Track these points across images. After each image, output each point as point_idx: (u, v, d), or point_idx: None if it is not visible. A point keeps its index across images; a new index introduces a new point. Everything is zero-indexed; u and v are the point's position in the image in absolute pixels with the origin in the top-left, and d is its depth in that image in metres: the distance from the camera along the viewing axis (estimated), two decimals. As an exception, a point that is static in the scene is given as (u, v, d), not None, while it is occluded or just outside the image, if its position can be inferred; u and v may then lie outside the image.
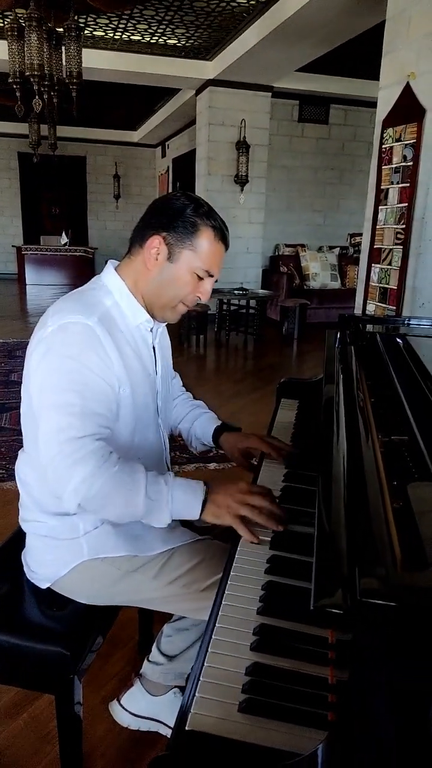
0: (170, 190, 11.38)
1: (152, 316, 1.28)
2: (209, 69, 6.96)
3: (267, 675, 0.75)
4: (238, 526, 1.08)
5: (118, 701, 1.52)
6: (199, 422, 1.54)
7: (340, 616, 0.52)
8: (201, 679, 0.74)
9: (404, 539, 0.62)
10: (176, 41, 6.32)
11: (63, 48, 4.81)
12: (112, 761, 1.47)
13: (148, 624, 1.82)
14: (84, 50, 4.92)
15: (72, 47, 4.70)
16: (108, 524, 1.24)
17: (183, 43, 6.37)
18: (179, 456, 3.46)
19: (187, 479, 1.15)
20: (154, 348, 1.33)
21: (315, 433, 1.56)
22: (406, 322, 2.05)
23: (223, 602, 0.89)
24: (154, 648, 1.45)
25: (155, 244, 1.20)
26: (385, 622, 0.46)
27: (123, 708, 1.50)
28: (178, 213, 1.19)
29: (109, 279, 1.26)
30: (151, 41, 6.33)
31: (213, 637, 0.82)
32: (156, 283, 1.23)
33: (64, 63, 4.86)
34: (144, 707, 1.49)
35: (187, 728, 0.66)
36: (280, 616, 0.86)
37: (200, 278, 1.23)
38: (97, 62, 6.47)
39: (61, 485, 1.09)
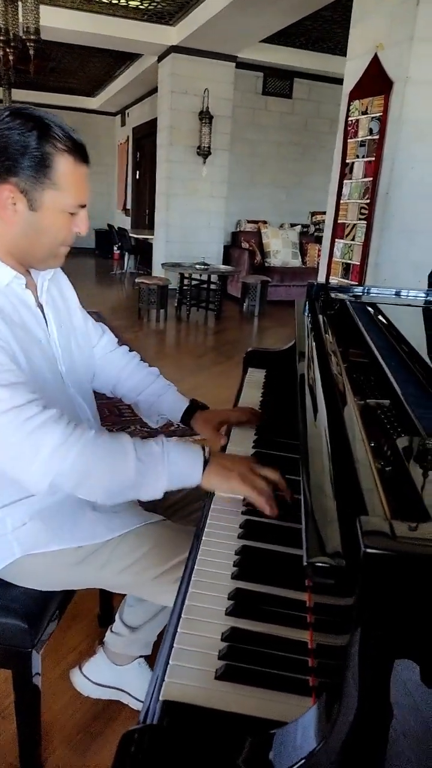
0: (130, 161, 11.11)
1: (32, 269, 1.12)
2: (172, 35, 6.75)
3: (244, 640, 0.71)
4: (251, 493, 0.97)
5: (80, 670, 1.47)
6: (166, 398, 1.40)
7: (335, 571, 0.48)
8: (175, 646, 0.70)
9: (396, 494, 0.58)
10: (138, 3, 6.08)
11: (20, 3, 4.56)
12: (73, 734, 1.42)
13: (108, 596, 1.77)
14: (42, 7, 4.67)
15: (29, 0, 4.45)
16: (38, 518, 1.11)
17: (146, 5, 6.14)
18: (139, 430, 3.40)
19: (181, 442, 1.03)
20: (42, 307, 1.15)
21: (286, 398, 1.52)
22: (366, 291, 2.03)
23: (195, 567, 0.84)
24: (116, 618, 1.40)
25: (5, 195, 0.99)
26: (391, 574, 0.42)
27: (85, 677, 1.46)
28: (21, 149, 0.97)
29: None
30: (113, 2, 6.07)
31: (186, 602, 0.77)
32: (24, 237, 1.04)
33: (20, 19, 4.60)
34: (107, 677, 1.44)
35: (161, 698, 0.62)
36: (256, 580, 0.82)
37: (73, 214, 1.06)
38: (56, 21, 6.17)
39: (25, 463, 0.93)
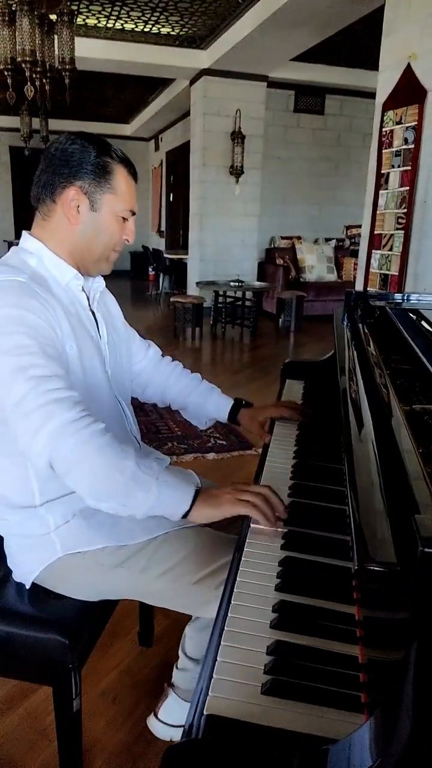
0: (164, 184, 11.29)
1: (85, 273, 1.18)
2: (204, 58, 6.87)
3: (291, 654, 0.68)
4: (245, 507, 0.96)
5: (155, 715, 1.43)
6: (212, 399, 1.47)
7: (390, 576, 0.45)
8: (218, 659, 0.67)
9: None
10: (170, 29, 6.22)
11: (55, 35, 4.72)
12: (115, 755, 1.39)
13: (148, 614, 1.74)
14: (77, 39, 4.82)
15: (65, 33, 4.60)
16: (79, 516, 1.12)
17: (177, 31, 6.28)
18: (176, 447, 3.39)
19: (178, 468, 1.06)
20: (93, 312, 1.22)
21: (326, 408, 1.49)
22: (407, 298, 1.98)
23: (237, 578, 0.81)
24: (180, 653, 1.37)
25: (72, 195, 1.10)
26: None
27: (161, 722, 1.41)
28: (84, 158, 1.10)
29: (28, 243, 1.15)
30: (145, 30, 6.23)
31: (229, 614, 0.74)
32: (84, 237, 1.14)
33: (56, 51, 4.76)
34: (182, 716, 1.39)
35: (206, 712, 0.59)
36: (301, 592, 0.79)
37: (125, 219, 1.17)
38: (91, 52, 6.36)
39: (32, 430, 0.94)
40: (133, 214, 1.18)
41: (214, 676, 0.64)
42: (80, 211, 1.11)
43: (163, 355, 1.54)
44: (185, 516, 0.99)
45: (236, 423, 1.47)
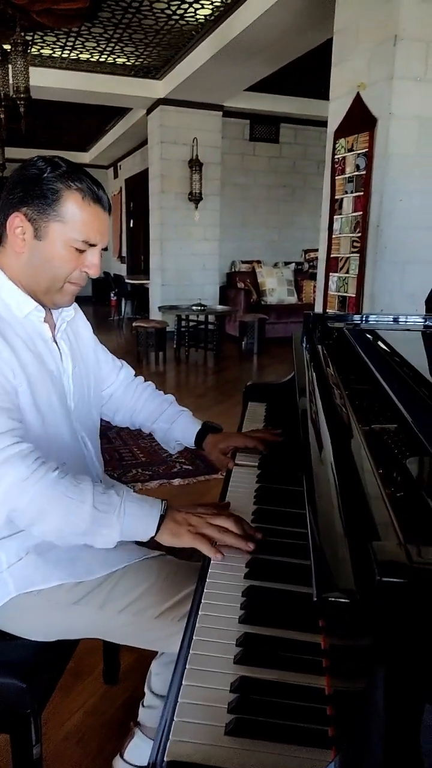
0: (124, 211, 11.33)
1: (42, 304, 1.12)
2: (159, 88, 6.99)
3: (255, 690, 0.65)
4: (200, 544, 0.94)
5: (121, 756, 1.36)
6: (179, 424, 1.42)
7: (351, 606, 0.43)
8: (179, 700, 0.64)
9: (410, 518, 0.54)
10: (125, 60, 6.31)
11: (9, 65, 4.72)
12: (79, 804, 1.32)
13: (113, 650, 1.68)
14: (32, 68, 4.84)
15: (19, 62, 4.61)
16: (33, 553, 1.07)
17: (132, 62, 6.37)
18: (141, 473, 3.34)
19: (142, 495, 1.02)
20: (57, 343, 1.17)
21: (287, 430, 1.48)
22: (365, 319, 2.01)
23: (200, 612, 0.79)
24: (146, 691, 1.31)
25: (16, 222, 1.04)
26: (409, 602, 0.38)
27: (127, 763, 1.35)
28: (33, 181, 1.03)
29: None
30: (101, 59, 6.30)
31: (191, 651, 0.71)
32: (30, 267, 1.07)
33: (11, 80, 4.76)
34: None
35: (166, 759, 0.56)
36: (266, 623, 0.76)
37: (81, 251, 1.08)
38: (46, 81, 6.40)
39: None
40: (94, 245, 1.09)
41: (175, 718, 0.61)
42: (25, 240, 1.05)
43: (136, 376, 1.51)
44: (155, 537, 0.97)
45: (202, 449, 1.42)
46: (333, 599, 0.46)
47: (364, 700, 0.42)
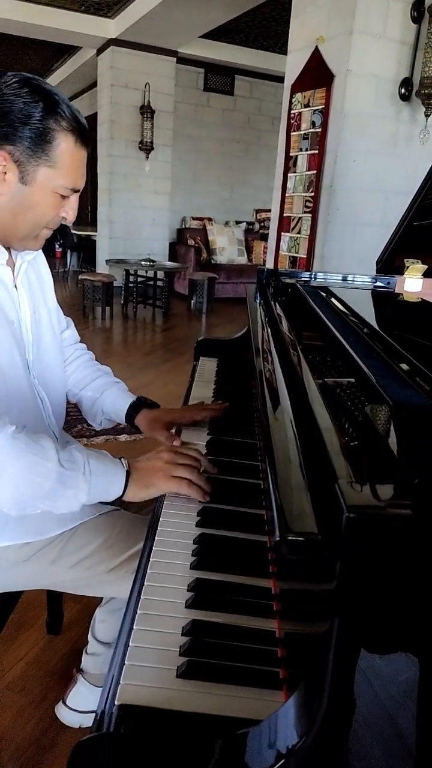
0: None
1: (8, 247, 1.04)
2: (111, 27, 6.62)
3: (207, 633, 0.65)
4: (181, 486, 0.90)
5: (64, 702, 1.36)
6: (110, 394, 1.29)
7: (310, 545, 0.43)
8: (131, 644, 0.63)
9: (373, 462, 0.54)
10: (75, -7, 5.93)
11: None
12: (22, 749, 1.33)
13: (57, 601, 1.67)
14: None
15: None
16: None
17: (83, -5, 5.99)
18: (86, 429, 3.28)
19: (99, 450, 0.95)
20: (17, 288, 1.08)
21: (240, 388, 1.48)
22: (314, 276, 2.01)
23: (151, 559, 0.78)
24: (90, 638, 1.31)
25: None
26: (375, 539, 0.37)
27: (70, 708, 1.35)
28: (23, 118, 0.90)
29: None
30: (48, -10, 5.89)
31: (142, 597, 0.71)
32: (8, 210, 0.96)
33: None
34: (93, 701, 1.33)
35: (117, 702, 0.55)
36: (217, 569, 0.76)
37: (64, 197, 1.00)
38: (-12, 9, 5.94)
39: None
40: (77, 191, 1.00)
41: (126, 662, 0.61)
42: (6, 180, 0.93)
43: (80, 342, 1.40)
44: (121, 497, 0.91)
45: (135, 426, 1.27)
46: (294, 539, 0.46)
47: (323, 641, 0.42)
